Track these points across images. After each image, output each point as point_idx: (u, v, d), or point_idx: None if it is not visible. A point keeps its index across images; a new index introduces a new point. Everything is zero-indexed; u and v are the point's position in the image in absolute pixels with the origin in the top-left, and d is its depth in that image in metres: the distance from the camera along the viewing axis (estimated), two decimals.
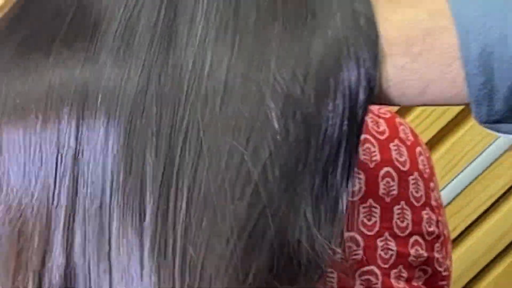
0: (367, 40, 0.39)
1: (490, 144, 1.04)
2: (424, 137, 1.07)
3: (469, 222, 1.10)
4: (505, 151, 1.05)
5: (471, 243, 1.12)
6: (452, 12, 0.39)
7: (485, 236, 1.11)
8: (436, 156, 1.07)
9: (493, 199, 1.10)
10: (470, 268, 1.11)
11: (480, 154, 1.04)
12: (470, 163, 1.05)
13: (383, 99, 0.41)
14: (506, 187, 1.09)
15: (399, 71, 0.41)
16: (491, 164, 1.05)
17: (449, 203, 1.08)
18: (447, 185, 1.06)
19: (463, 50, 0.38)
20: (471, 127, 1.04)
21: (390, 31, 0.41)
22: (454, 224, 1.08)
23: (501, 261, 1.12)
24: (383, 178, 0.53)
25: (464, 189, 1.08)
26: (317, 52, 0.38)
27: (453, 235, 1.06)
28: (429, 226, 0.56)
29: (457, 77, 0.39)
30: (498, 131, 0.41)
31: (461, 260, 1.10)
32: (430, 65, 0.41)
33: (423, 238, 0.56)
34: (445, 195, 1.04)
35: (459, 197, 1.10)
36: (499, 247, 1.12)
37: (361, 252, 0.53)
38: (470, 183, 1.06)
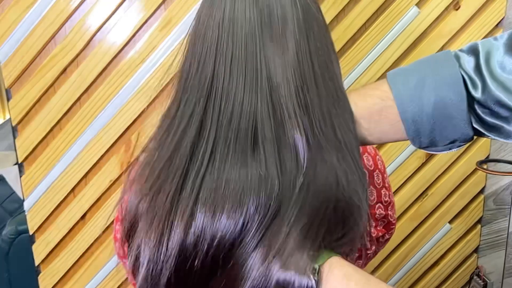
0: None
1: (406, 148, 1.37)
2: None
3: (394, 190, 1.43)
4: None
5: None
6: (394, 97, 0.65)
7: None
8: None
9: None
10: None
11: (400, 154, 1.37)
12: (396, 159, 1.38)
13: (362, 143, 0.66)
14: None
15: (366, 131, 0.67)
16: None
17: None
18: None
19: (401, 117, 0.64)
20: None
21: (360, 111, 0.67)
22: None
23: None
24: None
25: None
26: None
27: None
28: (385, 197, 0.83)
29: (400, 130, 0.65)
30: (430, 151, 0.67)
31: None
32: (384, 126, 0.66)
33: (382, 204, 0.83)
34: None
35: None
36: None
37: None
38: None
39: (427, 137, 0.64)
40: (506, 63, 0.59)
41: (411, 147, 1.30)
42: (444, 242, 1.48)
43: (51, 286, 1.34)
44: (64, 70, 1.21)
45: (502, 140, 0.63)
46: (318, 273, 0.52)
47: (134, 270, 0.61)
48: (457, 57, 0.63)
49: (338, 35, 1.23)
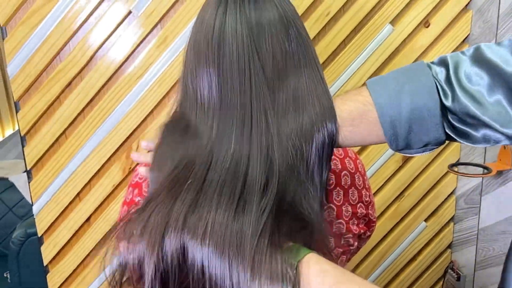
0: (331, 119, 0.64)
1: (384, 153, 1.36)
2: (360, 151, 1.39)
3: (374, 191, 1.42)
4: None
5: None
6: (374, 102, 0.66)
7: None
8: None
9: None
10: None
11: (379, 158, 1.36)
12: (375, 162, 1.37)
13: (341, 146, 0.66)
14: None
15: (348, 133, 0.67)
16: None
17: None
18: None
19: (380, 120, 0.64)
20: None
21: (342, 114, 0.66)
22: None
23: None
24: (343, 176, 0.78)
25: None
26: (306, 123, 0.62)
27: None
28: (366, 197, 0.82)
29: (379, 132, 0.66)
30: (405, 154, 0.68)
31: None
32: (364, 129, 0.66)
33: (363, 204, 0.81)
34: None
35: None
36: None
37: (334, 213, 0.76)
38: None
39: (404, 140, 0.65)
40: (472, 75, 0.60)
41: (389, 152, 1.34)
42: (420, 239, 1.47)
43: (59, 284, 1.33)
44: (69, 84, 1.20)
45: (470, 145, 0.64)
46: (296, 268, 0.51)
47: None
48: (430, 68, 0.64)
49: (321, 50, 1.23)
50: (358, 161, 0.84)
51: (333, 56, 1.25)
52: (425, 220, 1.46)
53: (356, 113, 0.66)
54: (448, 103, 0.61)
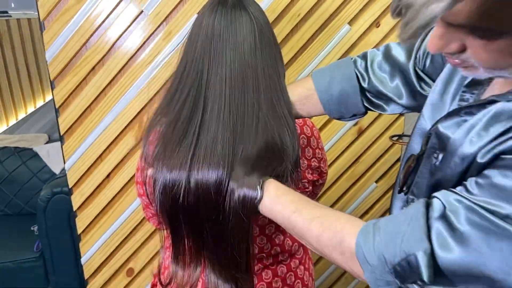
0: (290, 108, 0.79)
1: (342, 127, 1.46)
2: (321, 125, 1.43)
3: (334, 158, 1.52)
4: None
5: None
6: (315, 88, 0.81)
7: None
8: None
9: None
10: None
11: (338, 131, 1.46)
12: (335, 135, 1.48)
13: (297, 117, 0.83)
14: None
15: (299, 109, 0.81)
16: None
17: None
18: (327, 144, 1.45)
19: (320, 100, 0.81)
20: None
21: (293, 97, 0.80)
22: None
23: None
24: (301, 138, 0.89)
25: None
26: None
27: None
28: (318, 155, 0.94)
29: (320, 108, 0.82)
30: (342, 121, 0.85)
31: None
32: (310, 106, 0.82)
33: (316, 159, 0.92)
34: None
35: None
36: None
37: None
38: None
39: (337, 113, 0.83)
40: (381, 65, 0.79)
41: (346, 127, 1.47)
42: (372, 196, 1.57)
43: (86, 225, 1.45)
44: (93, 68, 1.31)
45: (383, 113, 0.83)
46: (262, 185, 0.68)
47: (153, 191, 0.74)
48: (355, 61, 0.82)
49: (292, 45, 1.34)
50: (314, 128, 0.96)
51: (302, 50, 1.36)
52: (376, 181, 1.55)
53: (303, 95, 0.83)
54: (365, 85, 0.80)
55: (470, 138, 0.53)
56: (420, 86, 0.75)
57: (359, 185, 1.56)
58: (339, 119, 0.85)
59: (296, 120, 0.90)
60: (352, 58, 0.83)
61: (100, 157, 1.39)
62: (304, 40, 1.34)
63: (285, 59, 1.35)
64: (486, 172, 0.49)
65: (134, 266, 1.51)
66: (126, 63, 1.31)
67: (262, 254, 0.92)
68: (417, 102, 0.75)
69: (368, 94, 0.81)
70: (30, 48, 2.36)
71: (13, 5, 2.19)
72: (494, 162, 0.50)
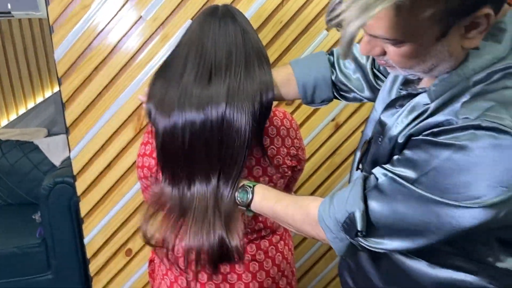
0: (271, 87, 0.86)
1: (320, 123, 1.54)
2: (301, 119, 1.38)
3: (312, 151, 1.59)
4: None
5: None
6: (294, 74, 0.92)
7: None
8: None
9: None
10: None
11: (317, 127, 1.54)
12: (314, 130, 1.56)
13: (276, 99, 0.88)
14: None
15: (279, 92, 0.92)
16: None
17: None
18: (306, 138, 1.54)
19: (297, 85, 0.92)
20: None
21: (276, 80, 0.89)
22: None
23: None
24: (281, 130, 0.95)
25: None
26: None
27: None
28: (297, 144, 0.99)
29: (296, 92, 0.94)
30: (311, 106, 0.96)
31: None
32: (288, 90, 0.93)
33: (295, 147, 0.99)
34: None
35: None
36: None
37: (275, 152, 0.94)
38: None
39: (310, 97, 0.93)
40: (346, 62, 0.91)
41: (324, 123, 1.56)
42: (347, 184, 1.57)
43: (88, 210, 1.54)
44: (97, 67, 1.40)
45: (346, 101, 0.95)
46: (253, 189, 0.80)
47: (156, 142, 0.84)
48: (325, 56, 0.93)
49: (276, 48, 1.43)
50: (293, 121, 1.02)
51: (284, 53, 1.43)
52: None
53: (284, 80, 0.93)
54: (333, 77, 0.91)
55: (396, 123, 0.66)
56: (376, 83, 0.87)
57: (337, 174, 1.65)
58: (309, 103, 0.96)
59: (277, 114, 0.98)
60: (324, 53, 0.95)
61: (102, 147, 1.46)
62: (286, 44, 1.42)
63: (272, 59, 1.44)
64: (404, 150, 0.62)
65: (132, 247, 1.60)
66: (126, 63, 1.39)
67: (247, 229, 1.00)
68: (374, 95, 0.85)
69: (336, 85, 0.93)
70: (31, 47, 2.43)
71: (9, 6, 2.25)
72: (408, 142, 0.63)
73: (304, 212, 0.71)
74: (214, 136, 0.79)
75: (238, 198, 0.82)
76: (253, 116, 0.79)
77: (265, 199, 0.78)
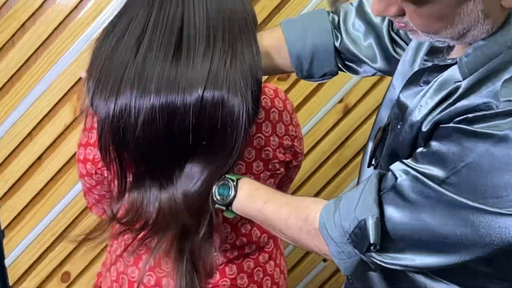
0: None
1: (325, 105, 1.57)
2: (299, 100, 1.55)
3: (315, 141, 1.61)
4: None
5: None
6: (285, 38, 0.90)
7: None
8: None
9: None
10: None
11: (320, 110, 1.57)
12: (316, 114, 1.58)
13: (267, 73, 0.95)
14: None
15: (266, 64, 0.87)
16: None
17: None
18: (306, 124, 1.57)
19: (289, 53, 0.90)
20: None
21: (263, 47, 0.85)
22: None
23: None
24: (271, 112, 0.97)
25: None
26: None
27: None
28: (292, 132, 1.00)
29: (288, 63, 0.92)
30: (309, 81, 0.98)
31: None
32: (278, 59, 0.92)
33: (290, 137, 0.99)
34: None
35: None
36: None
37: (263, 142, 0.94)
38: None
39: (307, 71, 0.93)
40: (355, 23, 0.91)
41: (329, 104, 1.59)
42: None
43: (11, 219, 1.53)
44: (23, 25, 1.39)
45: (355, 75, 0.96)
46: (237, 184, 0.81)
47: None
48: (328, 15, 0.94)
49: (265, 3, 1.45)
50: (287, 101, 1.03)
51: (276, 11, 1.48)
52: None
53: (272, 46, 0.91)
54: (337, 44, 0.92)
55: (419, 105, 0.67)
56: (395, 50, 0.88)
57: (346, 172, 1.68)
58: (306, 78, 0.96)
59: (266, 91, 1.00)
60: (326, 11, 0.94)
61: (29, 134, 1.47)
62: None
63: (258, 19, 1.42)
64: (430, 142, 0.62)
65: (70, 270, 1.59)
66: (63, 21, 1.40)
67: (225, 245, 1.01)
68: (391, 67, 0.86)
69: (341, 55, 0.93)
70: None
71: None
72: (435, 130, 0.64)
73: (301, 217, 0.72)
74: (187, 124, 0.82)
75: (217, 195, 0.83)
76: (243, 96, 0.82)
77: (252, 197, 0.80)
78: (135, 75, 0.80)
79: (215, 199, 0.83)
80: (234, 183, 0.81)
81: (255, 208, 0.79)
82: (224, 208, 0.84)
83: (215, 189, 0.83)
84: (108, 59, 0.83)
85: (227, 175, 0.84)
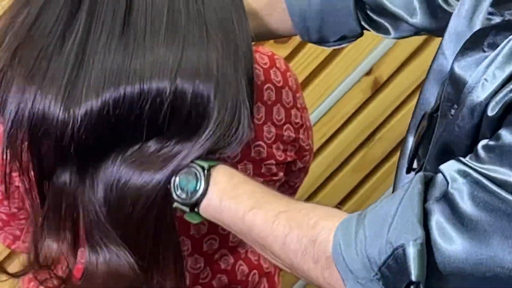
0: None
1: (345, 78, 1.54)
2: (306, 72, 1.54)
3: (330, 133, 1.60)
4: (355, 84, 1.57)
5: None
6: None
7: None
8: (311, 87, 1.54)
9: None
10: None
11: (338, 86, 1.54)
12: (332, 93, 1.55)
13: (259, 38, 0.87)
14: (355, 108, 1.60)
15: (256, 26, 0.84)
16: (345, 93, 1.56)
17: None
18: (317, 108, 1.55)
19: (289, 11, 0.88)
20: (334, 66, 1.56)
21: (249, 5, 0.85)
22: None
23: None
24: (266, 90, 0.94)
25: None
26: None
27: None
28: (296, 119, 0.97)
29: (288, 24, 0.90)
30: (322, 46, 0.94)
31: None
32: (273, 20, 0.90)
33: (292, 126, 0.97)
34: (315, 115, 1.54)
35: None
36: None
37: (252, 134, 0.83)
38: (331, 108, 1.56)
39: (316, 33, 0.90)
40: None
41: (354, 76, 1.54)
42: None
43: None
44: None
45: (387, 37, 0.92)
46: (208, 174, 0.73)
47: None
48: None
49: None
50: (289, 73, 1.01)
51: None
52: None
53: (263, 2, 0.89)
54: None
55: (483, 80, 0.62)
56: (445, 0, 0.84)
57: (377, 179, 1.68)
58: (318, 43, 0.93)
59: (258, 59, 0.96)
60: None
61: None
62: None
63: None
64: (500, 131, 0.58)
65: None
66: None
67: (196, 287, 0.99)
68: (437, 23, 0.84)
69: (367, 8, 0.89)
70: None
71: None
72: (506, 116, 0.60)
73: (306, 235, 0.66)
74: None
75: (177, 189, 0.77)
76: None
77: (233, 196, 0.74)
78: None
79: (174, 196, 0.77)
80: (205, 172, 0.74)
81: (236, 214, 0.73)
82: (187, 209, 0.77)
83: (175, 180, 0.77)
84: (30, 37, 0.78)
85: (196, 161, 0.77)
